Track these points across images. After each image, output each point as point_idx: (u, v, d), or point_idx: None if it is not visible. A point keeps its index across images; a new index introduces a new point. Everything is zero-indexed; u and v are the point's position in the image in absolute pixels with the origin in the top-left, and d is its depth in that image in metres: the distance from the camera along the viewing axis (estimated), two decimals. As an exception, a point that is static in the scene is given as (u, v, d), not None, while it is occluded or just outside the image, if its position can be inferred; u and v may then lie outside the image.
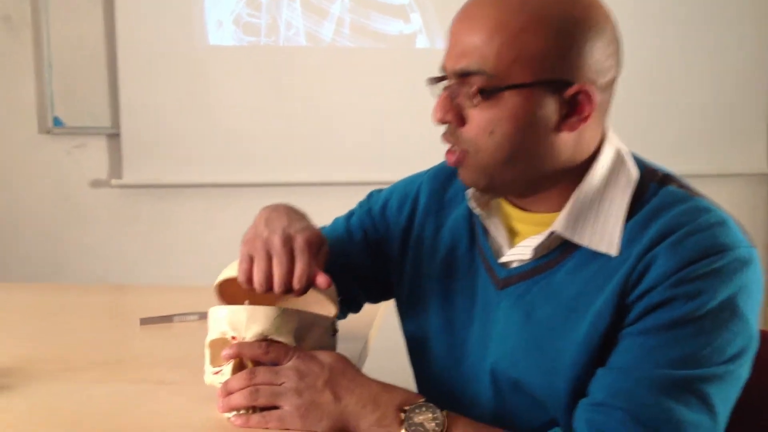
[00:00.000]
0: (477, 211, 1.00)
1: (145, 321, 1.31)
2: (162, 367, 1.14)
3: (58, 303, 1.52)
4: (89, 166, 2.80)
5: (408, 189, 1.14)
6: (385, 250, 1.13)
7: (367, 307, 1.49)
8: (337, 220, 1.22)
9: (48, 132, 2.77)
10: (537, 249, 0.93)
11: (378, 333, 1.40)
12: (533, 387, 0.91)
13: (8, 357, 1.13)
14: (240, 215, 2.75)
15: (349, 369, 0.92)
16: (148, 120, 2.74)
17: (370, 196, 1.21)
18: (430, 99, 0.95)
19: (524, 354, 0.92)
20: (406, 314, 1.11)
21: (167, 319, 1.35)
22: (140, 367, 1.12)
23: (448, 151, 0.94)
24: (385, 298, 1.22)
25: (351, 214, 1.20)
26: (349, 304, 1.18)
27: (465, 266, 1.02)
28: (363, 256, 1.15)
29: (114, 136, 2.77)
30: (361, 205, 1.21)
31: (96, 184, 2.80)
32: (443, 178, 1.10)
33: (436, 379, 1.04)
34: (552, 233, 0.91)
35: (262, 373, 0.91)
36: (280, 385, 0.89)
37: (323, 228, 1.20)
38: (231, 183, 2.78)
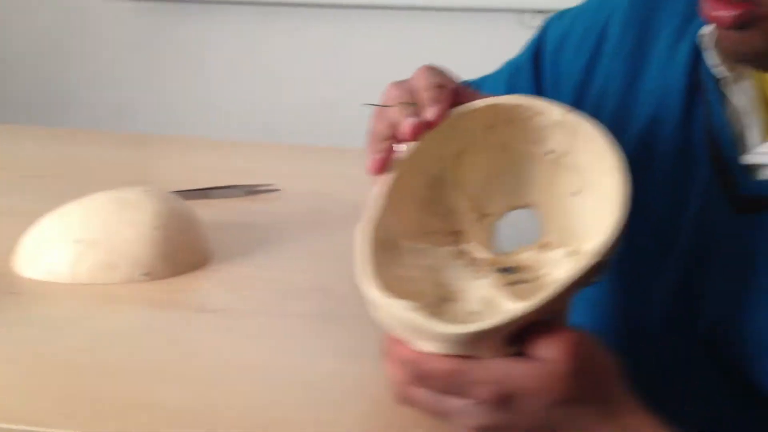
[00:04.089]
0: (719, 70, 0.59)
1: (172, 198, 0.94)
2: (198, 283, 0.77)
3: (57, 161, 1.13)
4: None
5: (594, 16, 0.72)
6: None
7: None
8: (501, 69, 0.82)
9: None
10: None
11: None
12: None
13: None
14: (303, 43, 2.19)
15: (595, 402, 0.49)
16: None
17: (545, 29, 0.79)
18: None
19: None
20: None
21: (203, 194, 0.97)
22: (165, 281, 0.75)
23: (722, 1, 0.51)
24: None
25: (518, 62, 0.80)
26: None
27: (671, 154, 0.62)
28: None
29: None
30: (531, 43, 0.80)
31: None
32: None
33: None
34: None
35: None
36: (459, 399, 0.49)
37: (475, 81, 0.81)
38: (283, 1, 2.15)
